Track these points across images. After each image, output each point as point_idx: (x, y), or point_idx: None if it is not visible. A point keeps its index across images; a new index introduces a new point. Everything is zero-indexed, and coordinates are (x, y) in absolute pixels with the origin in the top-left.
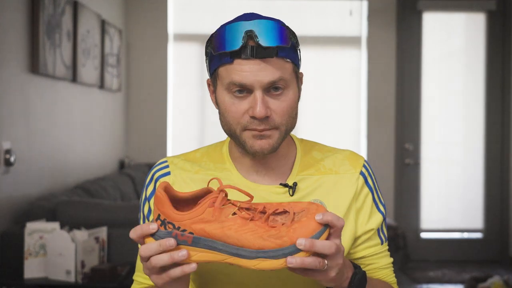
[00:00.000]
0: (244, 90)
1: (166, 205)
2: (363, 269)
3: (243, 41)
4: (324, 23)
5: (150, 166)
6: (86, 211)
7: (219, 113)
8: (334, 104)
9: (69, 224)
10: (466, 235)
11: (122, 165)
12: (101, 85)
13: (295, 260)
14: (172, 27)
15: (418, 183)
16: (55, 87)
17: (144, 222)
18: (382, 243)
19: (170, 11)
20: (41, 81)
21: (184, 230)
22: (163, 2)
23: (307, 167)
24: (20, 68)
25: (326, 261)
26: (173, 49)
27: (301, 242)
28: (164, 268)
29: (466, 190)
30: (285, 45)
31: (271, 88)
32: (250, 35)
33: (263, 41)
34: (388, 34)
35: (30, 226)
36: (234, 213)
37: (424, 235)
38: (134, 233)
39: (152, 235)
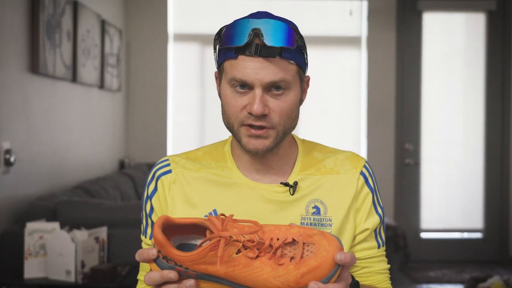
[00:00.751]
0: (246, 86)
1: (166, 246)
2: (359, 272)
3: (248, 38)
4: (324, 23)
5: (150, 166)
6: (86, 211)
7: (221, 106)
8: (334, 104)
9: (69, 224)
10: (466, 235)
11: (122, 165)
12: (101, 85)
13: None
14: (172, 27)
15: (418, 183)
16: (55, 87)
17: (146, 221)
18: (379, 247)
19: (170, 11)
20: (41, 81)
21: (186, 268)
22: (163, 2)
23: (308, 167)
24: (20, 68)
25: None
26: (173, 49)
27: (313, 286)
28: None
29: (466, 190)
30: (290, 46)
31: (272, 87)
32: (256, 33)
33: (268, 41)
34: (388, 34)
35: (30, 226)
36: (239, 251)
37: (424, 235)
38: (138, 258)
39: (157, 262)
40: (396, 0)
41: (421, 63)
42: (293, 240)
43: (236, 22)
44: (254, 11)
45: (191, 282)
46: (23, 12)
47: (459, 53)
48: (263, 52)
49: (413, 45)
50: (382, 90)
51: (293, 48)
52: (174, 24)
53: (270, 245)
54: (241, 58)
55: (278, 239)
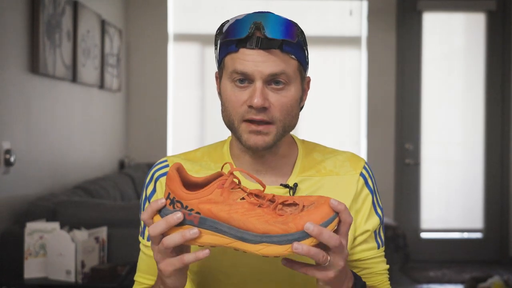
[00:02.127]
0: (246, 80)
1: (176, 183)
2: (360, 273)
3: (249, 31)
4: (324, 23)
5: (150, 166)
6: (86, 211)
7: (221, 104)
8: (334, 104)
9: (69, 224)
10: (466, 235)
11: (122, 165)
12: (101, 85)
13: (301, 247)
14: (172, 27)
15: (418, 183)
16: (55, 87)
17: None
18: (378, 247)
19: (170, 11)
20: (41, 81)
21: (191, 210)
22: (163, 2)
23: (308, 168)
24: (20, 68)
25: (329, 257)
26: (173, 49)
27: (309, 227)
28: (176, 253)
29: (466, 190)
30: (291, 39)
31: (273, 82)
32: (257, 26)
33: (269, 33)
34: (388, 34)
35: (30, 226)
36: (243, 198)
37: (424, 235)
38: (145, 213)
39: (160, 213)
40: (396, 0)
41: (421, 63)
42: (294, 202)
43: (237, 17)
44: (254, 11)
45: (195, 230)
46: (23, 12)
47: (459, 53)
48: (264, 44)
49: (413, 45)
50: (382, 90)
51: (294, 41)
52: (174, 24)
53: (272, 201)
54: (242, 51)
55: (279, 198)
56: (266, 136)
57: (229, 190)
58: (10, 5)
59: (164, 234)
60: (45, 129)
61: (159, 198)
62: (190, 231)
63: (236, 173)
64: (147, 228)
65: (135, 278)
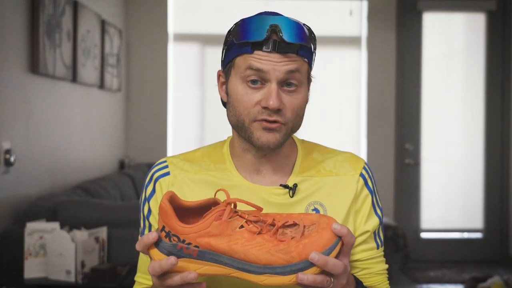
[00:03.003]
0: (258, 81)
1: (171, 217)
2: (359, 273)
3: (267, 34)
4: (324, 23)
5: (150, 166)
6: (86, 211)
7: (228, 103)
8: (334, 104)
9: (69, 224)
10: (466, 235)
11: (122, 165)
12: (101, 85)
13: (306, 278)
14: (172, 27)
15: (418, 183)
16: (55, 87)
17: (144, 223)
18: (378, 248)
19: (170, 11)
20: (41, 81)
21: (189, 244)
22: (163, 2)
23: (308, 169)
24: (20, 68)
25: (332, 280)
26: (173, 49)
27: (314, 257)
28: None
29: (466, 190)
30: (307, 44)
31: (285, 84)
32: (274, 29)
33: (287, 37)
34: (388, 34)
35: (30, 226)
36: (242, 226)
37: (424, 235)
38: (138, 246)
39: (157, 246)
40: (396, 0)
41: (421, 63)
42: (294, 223)
43: (251, 18)
44: (254, 11)
45: (192, 274)
46: (23, 12)
47: (459, 53)
48: (281, 48)
49: (413, 45)
50: (382, 90)
51: (309, 46)
52: (174, 24)
53: (272, 225)
54: (257, 53)
55: (279, 220)
56: (278, 133)
57: (227, 221)
58: (10, 5)
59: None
60: (45, 129)
61: (151, 232)
62: (188, 275)
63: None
64: (146, 229)
65: (136, 278)
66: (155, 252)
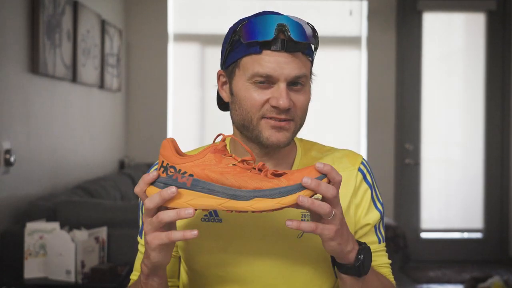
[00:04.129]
0: (266, 81)
1: (170, 150)
2: None
3: (275, 33)
4: (324, 23)
5: (150, 166)
6: (86, 211)
7: (233, 103)
8: (334, 104)
9: (69, 224)
10: (466, 235)
11: (122, 165)
12: (101, 85)
13: (306, 199)
14: (172, 27)
15: (418, 183)
16: (55, 87)
17: (143, 221)
18: (379, 242)
19: (170, 11)
20: (41, 81)
21: (184, 173)
22: (163, 2)
23: (307, 166)
24: (20, 68)
25: (333, 211)
26: (173, 49)
27: (307, 181)
28: (166, 229)
29: (466, 190)
30: (313, 43)
31: (292, 83)
32: (281, 28)
33: (295, 36)
34: (388, 34)
35: (30, 226)
36: (234, 164)
37: (424, 235)
38: (137, 187)
39: (154, 183)
40: (396, 0)
41: (421, 63)
42: (284, 172)
43: (257, 17)
44: (255, 11)
45: (190, 210)
46: (23, 12)
47: (459, 53)
48: (290, 47)
49: (413, 45)
50: (382, 90)
51: (315, 45)
52: (174, 24)
53: (262, 169)
54: (266, 53)
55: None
56: (287, 132)
57: (221, 156)
58: (10, 5)
59: (159, 208)
60: (45, 129)
61: (151, 172)
62: (185, 211)
63: (228, 135)
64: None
65: (131, 276)
66: (151, 189)
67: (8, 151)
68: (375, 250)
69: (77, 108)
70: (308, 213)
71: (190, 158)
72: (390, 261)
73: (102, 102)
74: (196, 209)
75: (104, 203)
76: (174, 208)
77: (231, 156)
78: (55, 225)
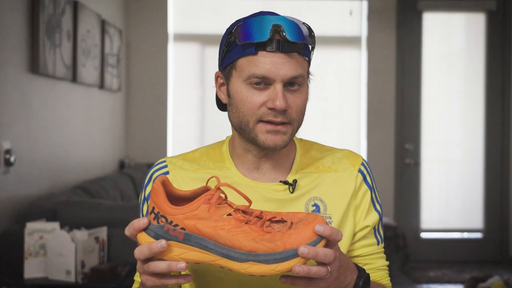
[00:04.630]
0: (262, 82)
1: (161, 197)
2: None
3: (270, 34)
4: (324, 23)
5: (150, 166)
6: (86, 211)
7: (230, 105)
8: (334, 104)
9: (69, 224)
10: (466, 235)
11: (122, 165)
12: (101, 85)
13: (302, 269)
14: (172, 27)
15: (418, 183)
16: (55, 87)
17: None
18: (378, 244)
19: (170, 11)
20: (41, 81)
21: (176, 225)
22: (163, 2)
23: (307, 166)
24: (20, 68)
25: (329, 268)
26: (173, 49)
27: (304, 251)
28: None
29: (466, 190)
30: (309, 43)
31: (288, 84)
32: (277, 29)
33: (290, 36)
34: (388, 34)
35: (30, 226)
36: (230, 214)
37: (424, 235)
38: (127, 230)
39: (145, 230)
40: (396, 0)
41: (421, 63)
42: (282, 219)
43: (252, 18)
44: (255, 11)
45: (182, 264)
46: (23, 12)
47: (459, 53)
48: (285, 48)
49: (413, 45)
50: (382, 90)
51: (311, 45)
52: (174, 24)
53: (259, 217)
54: (261, 54)
55: (267, 215)
56: (284, 135)
57: (216, 206)
58: (10, 5)
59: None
60: (45, 129)
61: (142, 218)
62: (177, 265)
63: (223, 188)
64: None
65: (135, 277)
66: (142, 235)
67: (8, 151)
68: (374, 252)
69: (77, 108)
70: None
71: (182, 210)
72: (387, 263)
73: (102, 102)
74: (187, 262)
75: (104, 203)
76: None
77: (226, 203)
78: (55, 225)
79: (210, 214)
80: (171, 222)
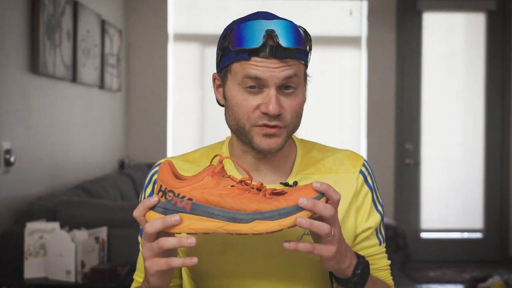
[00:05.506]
0: (257, 86)
1: (168, 174)
2: None
3: (263, 40)
4: (324, 23)
5: (150, 166)
6: (86, 211)
7: (226, 107)
8: (334, 104)
9: (69, 224)
10: (466, 235)
11: (122, 165)
12: (101, 85)
13: (304, 220)
14: (172, 27)
15: (418, 183)
16: (55, 87)
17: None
18: (380, 244)
19: (170, 11)
20: (41, 81)
21: (183, 197)
22: (163, 2)
23: (307, 167)
24: (20, 68)
25: (332, 231)
26: (173, 49)
27: (303, 201)
28: (165, 255)
29: (466, 190)
30: (304, 47)
31: (283, 87)
32: (270, 34)
33: (283, 42)
34: (388, 34)
35: (30, 226)
36: (233, 186)
37: (424, 235)
38: (136, 211)
39: (153, 208)
40: (396, 0)
41: (421, 63)
42: (282, 191)
43: (246, 23)
44: (255, 11)
45: (192, 239)
46: (23, 12)
47: (459, 53)
48: (278, 54)
49: (413, 45)
50: (382, 90)
51: (306, 49)
52: (174, 24)
53: (260, 189)
54: (254, 59)
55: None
56: (278, 138)
57: (219, 178)
58: (10, 5)
59: (158, 233)
60: (45, 129)
61: (152, 196)
62: (188, 240)
63: (226, 168)
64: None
65: (134, 276)
66: (150, 213)
67: (8, 151)
68: (376, 253)
69: (77, 108)
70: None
71: (188, 182)
72: (389, 262)
73: (102, 102)
74: (197, 234)
75: (104, 203)
76: (174, 234)
77: (229, 177)
78: (55, 225)
79: (214, 184)
80: (178, 194)
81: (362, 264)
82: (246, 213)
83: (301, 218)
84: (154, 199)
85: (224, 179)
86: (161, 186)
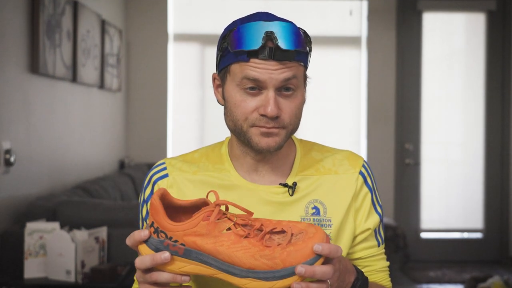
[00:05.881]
0: (256, 87)
1: (160, 214)
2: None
3: (262, 42)
4: (324, 23)
5: (150, 166)
6: (86, 211)
7: (225, 108)
8: (334, 104)
9: (69, 224)
10: (466, 235)
11: (122, 165)
12: (101, 85)
13: (301, 286)
14: (172, 27)
15: (418, 183)
16: (55, 87)
17: (142, 224)
18: (379, 245)
19: (170, 11)
20: (41, 81)
21: (176, 241)
22: (163, 2)
23: (307, 168)
24: (20, 68)
25: (329, 282)
26: (173, 49)
27: (301, 271)
28: (159, 284)
29: (466, 190)
30: (303, 49)
31: (282, 89)
32: (269, 36)
33: (283, 44)
34: (388, 34)
35: (30, 226)
36: (229, 229)
37: (424, 235)
38: (128, 240)
39: (146, 242)
40: (396, 0)
41: (421, 63)
42: (283, 230)
43: (245, 24)
44: (255, 11)
45: (186, 277)
46: (23, 12)
47: (459, 53)
48: (278, 56)
49: (413, 45)
50: (382, 90)
51: (305, 51)
52: (174, 24)
53: (260, 230)
54: (253, 61)
55: (268, 226)
56: (277, 137)
57: (215, 222)
58: (10, 5)
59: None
60: (45, 129)
61: (143, 229)
62: (182, 277)
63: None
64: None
65: (135, 277)
66: (143, 247)
67: (8, 151)
68: (374, 254)
69: (77, 108)
70: (306, 216)
71: (181, 226)
72: (388, 264)
73: (102, 102)
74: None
75: (104, 203)
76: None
77: (226, 217)
78: (55, 225)
79: (209, 230)
80: (171, 237)
81: (361, 280)
82: (240, 269)
83: (298, 284)
84: (145, 233)
85: (221, 221)
86: (153, 222)
